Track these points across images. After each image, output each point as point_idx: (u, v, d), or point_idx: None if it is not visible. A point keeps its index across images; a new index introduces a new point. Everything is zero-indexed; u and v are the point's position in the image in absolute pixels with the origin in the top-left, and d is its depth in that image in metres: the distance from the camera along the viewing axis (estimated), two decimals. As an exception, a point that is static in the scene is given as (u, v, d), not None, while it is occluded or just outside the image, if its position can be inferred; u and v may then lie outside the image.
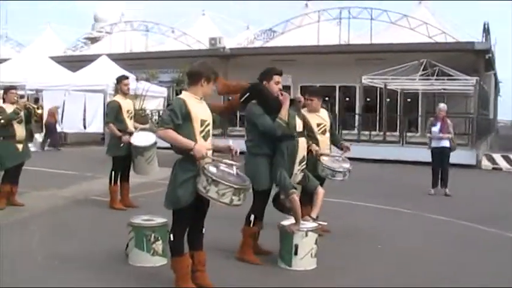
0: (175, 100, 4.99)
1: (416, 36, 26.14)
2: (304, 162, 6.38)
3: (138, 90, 22.35)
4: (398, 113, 24.98)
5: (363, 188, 12.13)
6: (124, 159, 9.13)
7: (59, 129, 21.91)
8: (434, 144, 12.12)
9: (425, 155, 18.46)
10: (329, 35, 28.85)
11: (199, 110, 4.95)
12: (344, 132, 21.52)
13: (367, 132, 21.74)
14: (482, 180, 16.11)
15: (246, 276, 5.81)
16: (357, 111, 24.84)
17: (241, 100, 6.28)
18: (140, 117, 11.75)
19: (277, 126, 5.93)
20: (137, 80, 23.62)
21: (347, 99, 29.34)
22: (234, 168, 4.97)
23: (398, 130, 22.09)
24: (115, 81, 9.64)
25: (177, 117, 4.78)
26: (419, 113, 27.10)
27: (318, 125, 7.67)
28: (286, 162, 6.09)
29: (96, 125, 22.31)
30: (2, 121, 8.70)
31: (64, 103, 21.74)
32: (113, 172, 9.20)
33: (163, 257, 5.85)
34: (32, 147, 19.67)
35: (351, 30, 29.35)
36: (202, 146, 4.78)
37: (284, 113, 5.97)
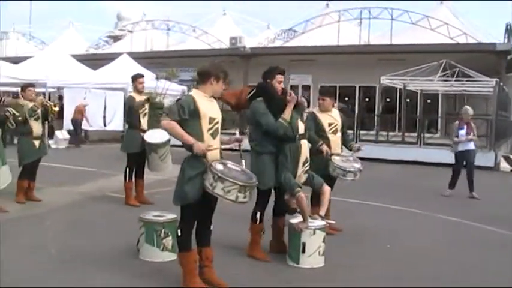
0: (185, 97, 5.10)
1: (437, 37, 25.99)
2: (308, 164, 6.43)
3: (158, 88, 22.57)
4: (417, 114, 24.88)
5: (375, 188, 12.18)
6: (138, 156, 9.27)
7: (87, 126, 22.24)
8: (461, 147, 11.99)
9: (443, 156, 18.52)
10: (349, 35, 28.81)
11: (209, 107, 5.06)
12: (362, 132, 21.53)
13: (385, 133, 21.69)
14: (499, 182, 15.98)
15: (252, 272, 5.90)
16: (377, 112, 24.74)
17: (248, 96, 6.38)
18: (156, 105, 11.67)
19: (279, 125, 6.02)
20: (157, 78, 23.80)
21: (367, 99, 29.27)
22: (243, 162, 5.09)
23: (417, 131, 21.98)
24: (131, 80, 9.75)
25: (184, 112, 4.88)
26: (439, 114, 27.00)
27: (330, 124, 7.73)
28: (290, 164, 6.16)
29: (115, 123, 22.53)
30: (20, 118, 8.87)
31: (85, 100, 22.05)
32: (128, 169, 9.36)
33: (172, 253, 5.95)
34: (53, 144, 20.14)
35: (371, 31, 29.33)
36: (202, 145, 4.86)
37: (288, 113, 6.06)
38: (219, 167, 4.89)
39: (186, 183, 4.94)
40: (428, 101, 27.43)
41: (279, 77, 6.34)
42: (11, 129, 9.10)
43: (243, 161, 5.23)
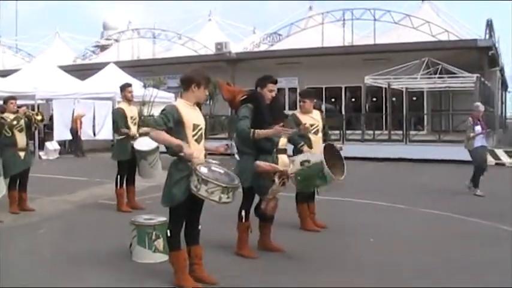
0: (168, 106, 5.37)
1: (420, 35, 26.38)
2: (285, 177, 6.58)
3: (146, 96, 22.81)
4: (403, 112, 25.26)
5: (360, 186, 12.42)
6: (129, 164, 9.55)
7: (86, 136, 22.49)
8: (479, 143, 12.03)
9: (428, 153, 18.94)
10: (333, 37, 29.16)
11: (192, 115, 5.34)
12: (348, 132, 21.87)
13: (372, 132, 22.04)
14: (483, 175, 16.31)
15: (239, 269, 6.19)
16: (363, 111, 25.13)
17: (240, 100, 6.66)
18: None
19: (244, 132, 6.21)
20: (144, 86, 24.06)
21: (353, 99, 29.63)
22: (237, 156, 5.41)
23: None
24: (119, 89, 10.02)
25: (168, 121, 5.16)
26: (425, 111, 27.40)
27: (311, 125, 7.97)
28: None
29: (105, 132, 22.67)
30: (8, 130, 9.11)
31: (73, 111, 22.23)
32: (119, 176, 9.65)
33: (164, 254, 6.20)
34: (43, 155, 20.35)
35: (355, 31, 29.67)
36: (191, 150, 5.15)
37: (263, 133, 6.21)
38: (203, 170, 5.17)
39: (173, 186, 5.23)
40: (414, 98, 27.85)
41: (270, 86, 6.58)
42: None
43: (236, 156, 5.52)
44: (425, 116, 26.88)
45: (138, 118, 10.21)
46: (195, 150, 5.24)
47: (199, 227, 5.61)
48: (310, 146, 7.78)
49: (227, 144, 5.71)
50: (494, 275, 6.05)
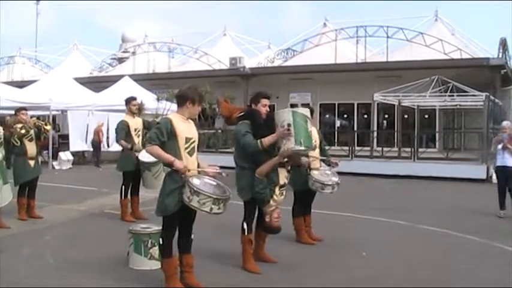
0: (163, 120, 5.66)
1: (433, 53, 26.52)
2: (284, 188, 6.77)
3: (159, 109, 23.20)
4: (415, 129, 25.36)
5: (363, 202, 12.65)
6: (133, 175, 9.84)
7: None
8: (498, 162, 11.60)
9: (436, 170, 19.03)
10: (346, 53, 29.39)
11: (185, 128, 5.61)
12: (357, 148, 22.06)
13: (380, 149, 22.18)
14: (489, 194, 16.36)
15: (231, 277, 6.41)
16: (372, 128, 25.32)
17: (237, 116, 6.92)
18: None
19: (252, 144, 6.41)
20: (158, 99, 24.46)
21: (365, 116, 29.81)
22: (224, 174, 5.63)
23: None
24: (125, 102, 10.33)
25: (162, 135, 5.45)
26: (437, 129, 27.50)
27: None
28: (266, 184, 6.52)
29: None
30: (17, 140, 9.46)
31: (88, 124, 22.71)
32: (123, 187, 9.94)
33: (159, 261, 6.42)
34: (57, 165, 20.74)
35: (368, 48, 29.87)
36: (181, 163, 5.41)
37: (268, 140, 6.42)
38: (196, 181, 5.43)
39: (167, 196, 5.50)
40: (426, 116, 27.97)
41: (264, 101, 6.83)
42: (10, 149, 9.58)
43: (224, 173, 5.74)
44: (436, 134, 26.97)
45: (146, 130, 10.44)
46: (188, 162, 5.50)
47: (192, 236, 5.85)
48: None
49: (219, 172, 5.80)
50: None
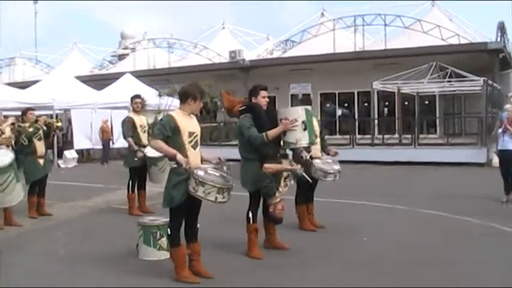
0: (165, 117, 5.93)
1: (431, 40, 26.67)
2: (289, 179, 7.03)
3: (161, 105, 23.45)
4: (415, 116, 25.58)
5: (365, 189, 12.88)
6: (140, 170, 10.14)
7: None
8: (498, 146, 11.48)
9: (436, 156, 19.28)
10: (345, 42, 29.55)
11: (187, 124, 5.87)
12: (358, 136, 22.32)
13: (381, 136, 22.42)
14: (489, 177, 16.58)
15: (237, 265, 6.69)
16: (372, 116, 25.54)
17: (239, 110, 7.17)
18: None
19: (259, 137, 6.65)
20: (160, 95, 24.70)
21: (366, 104, 30.00)
22: (225, 168, 5.91)
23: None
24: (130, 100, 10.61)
25: (166, 130, 5.72)
26: (437, 115, 27.69)
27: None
28: (272, 177, 6.79)
29: (122, 140, 23.20)
30: (25, 139, 9.71)
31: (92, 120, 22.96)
32: (130, 182, 10.24)
33: (167, 251, 6.69)
34: (62, 163, 21.02)
35: (367, 37, 30.04)
36: (185, 158, 5.66)
37: (274, 133, 6.70)
38: (200, 173, 5.70)
39: (173, 188, 5.76)
40: (426, 102, 28.15)
41: (263, 93, 7.09)
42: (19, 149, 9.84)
43: (225, 167, 6.04)
44: (437, 120, 27.17)
45: (150, 126, 10.70)
46: (191, 155, 5.76)
47: (198, 225, 6.12)
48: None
49: (219, 158, 6.13)
50: (473, 269, 6.47)
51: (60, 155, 21.94)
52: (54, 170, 18.12)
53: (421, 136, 22.06)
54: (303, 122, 6.71)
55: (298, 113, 6.83)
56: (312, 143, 7.02)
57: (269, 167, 6.70)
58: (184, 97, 5.96)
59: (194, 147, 5.88)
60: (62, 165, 21.26)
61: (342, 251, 7.37)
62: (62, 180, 14.97)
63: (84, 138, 22.95)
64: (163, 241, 6.80)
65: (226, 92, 7.89)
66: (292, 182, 7.30)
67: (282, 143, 6.91)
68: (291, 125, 6.68)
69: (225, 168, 6.03)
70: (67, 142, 23.49)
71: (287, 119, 6.73)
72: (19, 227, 9.12)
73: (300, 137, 6.75)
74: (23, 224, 9.26)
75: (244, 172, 6.93)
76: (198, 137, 5.97)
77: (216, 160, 6.09)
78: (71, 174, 18.06)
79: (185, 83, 6.18)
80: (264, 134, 6.68)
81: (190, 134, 5.85)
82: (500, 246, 7.52)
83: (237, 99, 7.68)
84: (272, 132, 6.69)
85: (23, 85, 26.67)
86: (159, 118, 7.26)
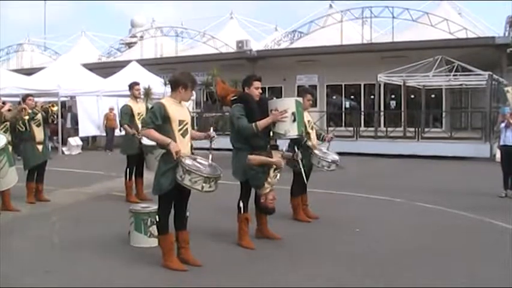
0: (156, 104, 5.94)
1: (439, 33, 26.53)
2: (279, 170, 7.01)
3: (167, 94, 23.43)
4: (421, 110, 25.50)
5: (365, 182, 12.87)
6: (137, 157, 10.18)
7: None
8: (501, 141, 11.53)
9: (440, 150, 19.24)
10: (352, 34, 29.49)
11: (178, 112, 5.89)
12: (363, 128, 22.27)
13: (388, 129, 22.37)
14: (492, 172, 16.52)
15: (226, 255, 6.73)
16: (377, 108, 25.47)
17: (232, 99, 7.19)
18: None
19: (247, 127, 6.68)
20: (165, 84, 24.67)
21: (372, 96, 29.92)
22: (210, 156, 5.95)
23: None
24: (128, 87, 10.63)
25: (156, 119, 5.74)
26: (444, 109, 27.58)
27: (308, 121, 8.51)
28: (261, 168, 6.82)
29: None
30: (21, 125, 9.77)
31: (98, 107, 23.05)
32: (128, 169, 10.30)
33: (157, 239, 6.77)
34: (66, 150, 21.13)
35: (374, 29, 29.98)
36: (176, 145, 5.69)
37: (263, 123, 6.71)
38: (188, 161, 5.72)
39: (161, 176, 5.80)
40: (432, 96, 28.05)
41: (256, 84, 7.07)
42: (16, 134, 9.89)
43: (210, 155, 6.06)
44: (443, 114, 27.07)
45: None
46: (181, 143, 5.78)
47: (187, 213, 6.15)
48: (310, 140, 8.33)
49: (208, 134, 6.28)
50: (461, 263, 6.49)
51: (64, 142, 22.01)
52: (58, 157, 18.34)
53: (426, 130, 21.97)
54: (292, 113, 6.71)
55: (288, 104, 6.84)
56: (300, 134, 7.02)
57: (253, 158, 6.71)
58: (175, 85, 5.97)
59: (183, 135, 5.89)
60: (66, 152, 21.36)
61: (333, 243, 7.38)
62: (63, 167, 15.06)
63: (90, 125, 23.03)
64: (154, 228, 6.80)
65: (221, 81, 7.91)
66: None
67: (271, 134, 6.92)
68: (280, 116, 6.70)
69: (210, 156, 6.05)
70: (65, 129, 23.54)
71: (277, 110, 6.74)
72: (17, 212, 9.20)
73: (289, 128, 6.77)
74: (20, 209, 9.35)
75: (235, 162, 6.95)
76: (188, 126, 5.98)
77: (206, 135, 6.18)
78: (74, 161, 18.18)
79: (176, 71, 6.18)
80: (253, 124, 6.69)
81: (181, 122, 5.87)
82: (492, 241, 7.51)
83: (231, 89, 7.71)
84: (261, 123, 6.70)
85: (30, 72, 26.76)
86: (150, 106, 7.26)
